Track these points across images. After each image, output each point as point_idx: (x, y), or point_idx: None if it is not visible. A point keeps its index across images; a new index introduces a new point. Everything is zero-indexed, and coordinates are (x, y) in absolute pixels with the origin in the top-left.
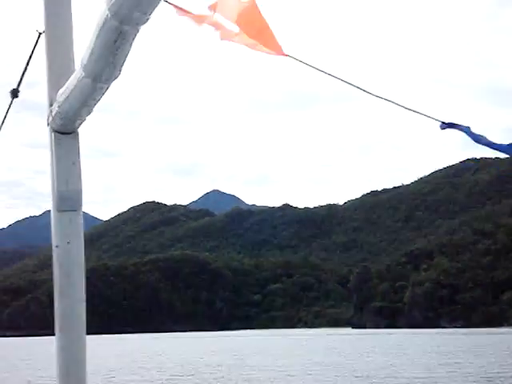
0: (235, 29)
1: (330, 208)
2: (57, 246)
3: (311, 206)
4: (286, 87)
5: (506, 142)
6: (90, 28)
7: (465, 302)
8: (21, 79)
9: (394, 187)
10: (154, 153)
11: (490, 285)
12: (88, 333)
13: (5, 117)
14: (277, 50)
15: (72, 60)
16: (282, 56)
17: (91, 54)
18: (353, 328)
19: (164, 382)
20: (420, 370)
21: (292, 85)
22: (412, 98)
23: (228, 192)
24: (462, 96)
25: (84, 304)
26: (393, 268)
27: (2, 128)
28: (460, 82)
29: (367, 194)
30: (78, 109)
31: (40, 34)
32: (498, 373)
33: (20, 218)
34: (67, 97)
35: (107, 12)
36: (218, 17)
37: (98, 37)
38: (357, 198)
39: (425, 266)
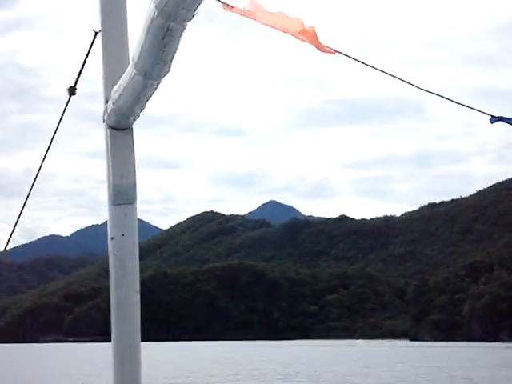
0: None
1: (387, 220)
2: (112, 238)
3: (368, 218)
4: (345, 97)
5: None
6: (140, 26)
7: None
8: (78, 77)
9: (453, 200)
10: (212, 163)
11: None
12: (146, 339)
13: (62, 114)
14: (322, 47)
15: (127, 58)
16: (330, 53)
17: (141, 51)
18: (410, 340)
19: None
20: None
21: (350, 95)
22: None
23: (285, 203)
24: None
25: (138, 295)
26: (451, 280)
27: (60, 125)
28: None
29: (425, 206)
30: (131, 105)
31: (96, 33)
32: None
33: (83, 226)
34: (121, 94)
35: (154, 9)
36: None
37: (146, 34)
38: (414, 210)
39: (484, 279)
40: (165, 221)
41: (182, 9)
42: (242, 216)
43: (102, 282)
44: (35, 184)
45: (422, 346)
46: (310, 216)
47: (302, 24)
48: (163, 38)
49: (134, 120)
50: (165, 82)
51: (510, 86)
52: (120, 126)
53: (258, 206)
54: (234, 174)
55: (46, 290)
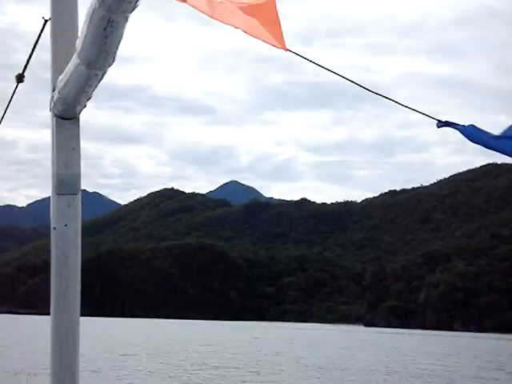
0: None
1: (348, 205)
2: (54, 228)
3: (329, 202)
4: (311, 81)
5: None
6: (83, 16)
7: (479, 307)
8: (26, 65)
9: (413, 188)
10: (175, 140)
11: (506, 291)
12: (101, 314)
13: (9, 101)
14: (281, 43)
15: (75, 47)
16: (283, 50)
17: (84, 41)
18: (365, 326)
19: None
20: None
21: (315, 79)
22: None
23: (247, 184)
24: None
25: (79, 285)
26: (408, 268)
27: (7, 112)
28: None
29: (385, 193)
30: (76, 95)
31: (46, 20)
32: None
33: (40, 197)
34: (66, 83)
35: (95, 0)
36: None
37: (88, 25)
38: (375, 197)
39: (441, 268)
40: (124, 196)
41: (123, 1)
42: (203, 195)
43: None
44: None
45: (375, 331)
46: (271, 198)
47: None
48: (105, 29)
49: (81, 110)
50: (129, 55)
51: (475, 75)
52: (66, 115)
53: (219, 185)
54: (196, 152)
55: None
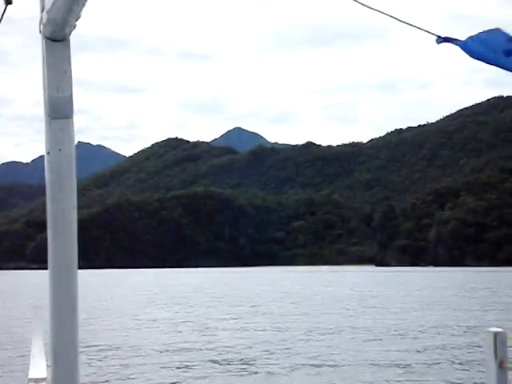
0: None
1: (354, 146)
2: (48, 153)
3: (334, 145)
4: (311, 22)
5: None
6: None
7: (491, 241)
8: None
9: (419, 125)
10: (176, 89)
11: None
12: (112, 266)
13: None
14: None
15: None
16: None
17: None
18: (376, 266)
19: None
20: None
21: (317, 20)
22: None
23: (251, 130)
24: None
25: (75, 211)
26: (417, 206)
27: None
28: None
29: (391, 132)
30: (65, 14)
31: None
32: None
33: (44, 152)
34: (53, 2)
35: None
36: None
37: None
38: (381, 137)
39: (450, 205)
40: (128, 147)
41: None
42: (208, 143)
43: None
44: None
45: (387, 270)
46: (276, 143)
47: None
48: None
49: (71, 31)
50: (126, 4)
51: (478, 9)
52: (56, 37)
53: (223, 132)
54: (198, 100)
55: (7, 217)
